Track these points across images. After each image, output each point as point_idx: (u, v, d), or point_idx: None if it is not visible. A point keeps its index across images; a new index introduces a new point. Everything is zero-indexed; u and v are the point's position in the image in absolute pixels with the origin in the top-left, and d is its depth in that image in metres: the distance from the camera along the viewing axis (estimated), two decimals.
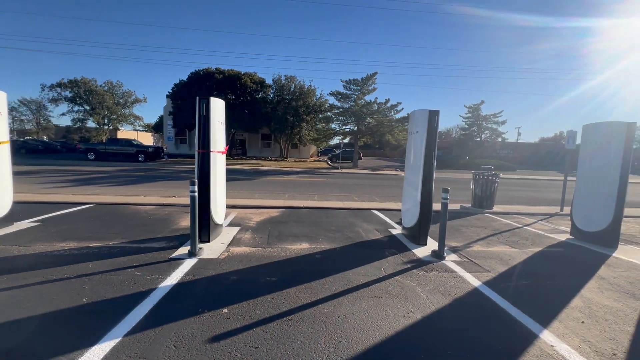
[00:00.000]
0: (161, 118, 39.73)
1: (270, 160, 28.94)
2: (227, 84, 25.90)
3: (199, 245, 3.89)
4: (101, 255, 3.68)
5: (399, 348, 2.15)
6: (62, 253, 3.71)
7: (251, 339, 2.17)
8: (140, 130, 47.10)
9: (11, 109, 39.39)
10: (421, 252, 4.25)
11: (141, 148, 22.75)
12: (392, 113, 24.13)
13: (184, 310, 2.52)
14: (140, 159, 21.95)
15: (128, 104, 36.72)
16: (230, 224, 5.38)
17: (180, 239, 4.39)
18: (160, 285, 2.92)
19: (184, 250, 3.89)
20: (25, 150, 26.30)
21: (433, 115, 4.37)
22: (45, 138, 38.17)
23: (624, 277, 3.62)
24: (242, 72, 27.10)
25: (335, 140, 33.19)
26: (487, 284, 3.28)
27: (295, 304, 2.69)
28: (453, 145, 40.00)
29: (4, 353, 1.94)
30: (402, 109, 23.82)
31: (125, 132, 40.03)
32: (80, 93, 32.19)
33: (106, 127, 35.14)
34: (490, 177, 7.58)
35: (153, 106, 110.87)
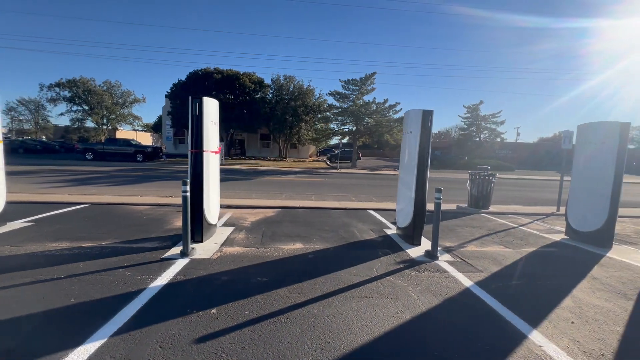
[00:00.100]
0: (160, 118, 39.68)
1: (269, 160, 28.92)
2: (226, 84, 25.89)
3: (191, 246, 3.88)
4: (93, 255, 3.67)
5: (386, 348, 2.14)
6: (54, 253, 3.69)
7: (238, 340, 2.16)
8: (139, 130, 47.07)
9: (9, 109, 39.41)
10: (415, 252, 4.24)
11: (139, 148, 22.72)
12: (391, 113, 24.15)
13: (173, 310, 2.51)
14: (138, 159, 21.92)
15: (127, 103, 36.72)
16: (225, 224, 5.37)
17: (173, 239, 4.38)
18: (150, 286, 2.91)
19: (176, 250, 3.88)
20: (23, 150, 26.27)
21: (427, 115, 4.37)
22: (43, 138, 38.14)
23: (616, 277, 3.62)
24: (241, 72, 27.09)
25: (334, 140, 33.17)
26: (479, 284, 3.27)
27: (285, 304, 2.68)
28: (452, 145, 40.02)
29: None
30: (401, 109, 23.80)
31: (124, 132, 39.98)
32: (78, 93, 32.17)
33: (105, 127, 35.12)
34: (486, 177, 7.58)
35: (152, 106, 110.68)
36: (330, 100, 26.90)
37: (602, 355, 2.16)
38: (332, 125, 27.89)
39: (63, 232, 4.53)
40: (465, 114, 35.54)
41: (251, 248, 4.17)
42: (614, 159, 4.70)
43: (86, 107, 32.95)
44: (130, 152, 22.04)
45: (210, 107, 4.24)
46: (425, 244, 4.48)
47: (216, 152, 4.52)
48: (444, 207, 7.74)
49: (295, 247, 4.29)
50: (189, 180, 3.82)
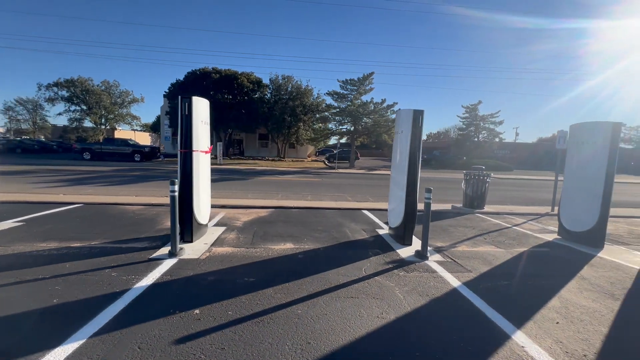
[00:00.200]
0: (159, 118, 39.65)
1: (268, 160, 28.91)
2: (224, 84, 25.86)
3: (180, 246, 3.87)
4: (80, 255, 3.65)
5: (368, 349, 2.12)
6: (41, 253, 3.68)
7: (219, 341, 2.15)
8: (138, 130, 47.04)
9: (7, 109, 39.32)
10: (405, 252, 4.23)
11: (137, 148, 22.69)
12: (389, 113, 24.14)
13: (156, 311, 2.49)
14: (136, 158, 21.89)
15: (125, 103, 36.74)
16: (217, 224, 5.36)
17: (163, 239, 4.36)
18: (135, 286, 2.90)
19: (165, 250, 3.87)
20: (21, 150, 26.23)
21: (417, 115, 4.36)
22: (42, 138, 38.07)
23: (605, 278, 3.61)
24: (239, 72, 27.07)
25: (333, 140, 33.15)
26: (467, 284, 3.26)
27: (270, 305, 2.66)
28: (451, 145, 40.00)
29: None
30: (399, 109, 23.81)
31: (122, 132, 39.96)
32: (77, 93, 32.18)
33: (103, 126, 35.12)
34: (481, 177, 7.57)
35: (152, 106, 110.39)
36: (329, 100, 26.93)
37: (584, 355, 2.15)
38: (330, 125, 27.90)
39: (53, 232, 4.51)
40: (463, 114, 35.55)
41: (241, 248, 4.15)
42: (605, 158, 4.69)
43: (84, 107, 32.96)
44: (128, 152, 22.01)
45: (200, 107, 4.22)
46: (417, 244, 4.47)
47: (206, 152, 4.50)
48: (439, 207, 7.74)
49: (286, 247, 4.28)
50: (177, 180, 3.80)
